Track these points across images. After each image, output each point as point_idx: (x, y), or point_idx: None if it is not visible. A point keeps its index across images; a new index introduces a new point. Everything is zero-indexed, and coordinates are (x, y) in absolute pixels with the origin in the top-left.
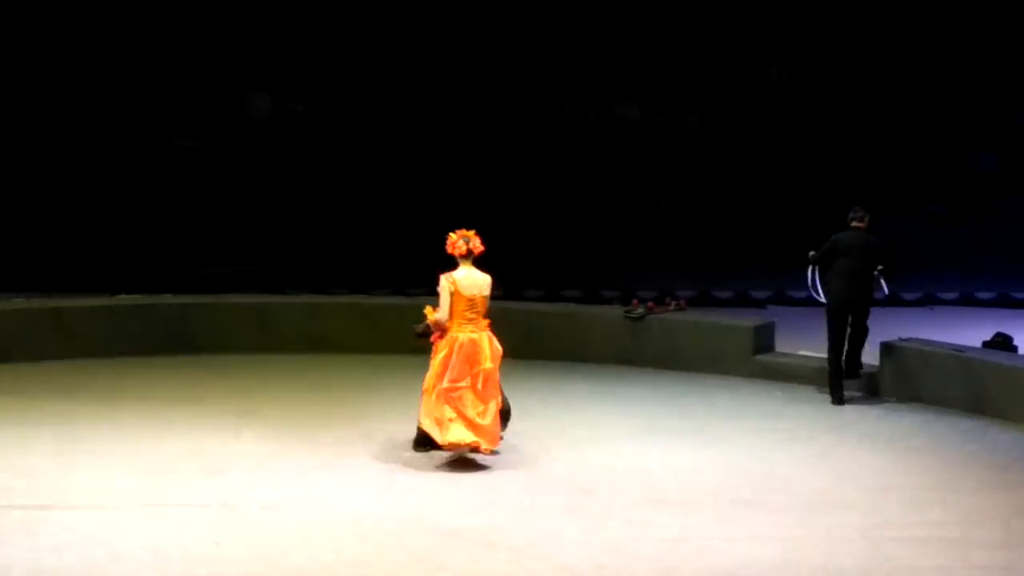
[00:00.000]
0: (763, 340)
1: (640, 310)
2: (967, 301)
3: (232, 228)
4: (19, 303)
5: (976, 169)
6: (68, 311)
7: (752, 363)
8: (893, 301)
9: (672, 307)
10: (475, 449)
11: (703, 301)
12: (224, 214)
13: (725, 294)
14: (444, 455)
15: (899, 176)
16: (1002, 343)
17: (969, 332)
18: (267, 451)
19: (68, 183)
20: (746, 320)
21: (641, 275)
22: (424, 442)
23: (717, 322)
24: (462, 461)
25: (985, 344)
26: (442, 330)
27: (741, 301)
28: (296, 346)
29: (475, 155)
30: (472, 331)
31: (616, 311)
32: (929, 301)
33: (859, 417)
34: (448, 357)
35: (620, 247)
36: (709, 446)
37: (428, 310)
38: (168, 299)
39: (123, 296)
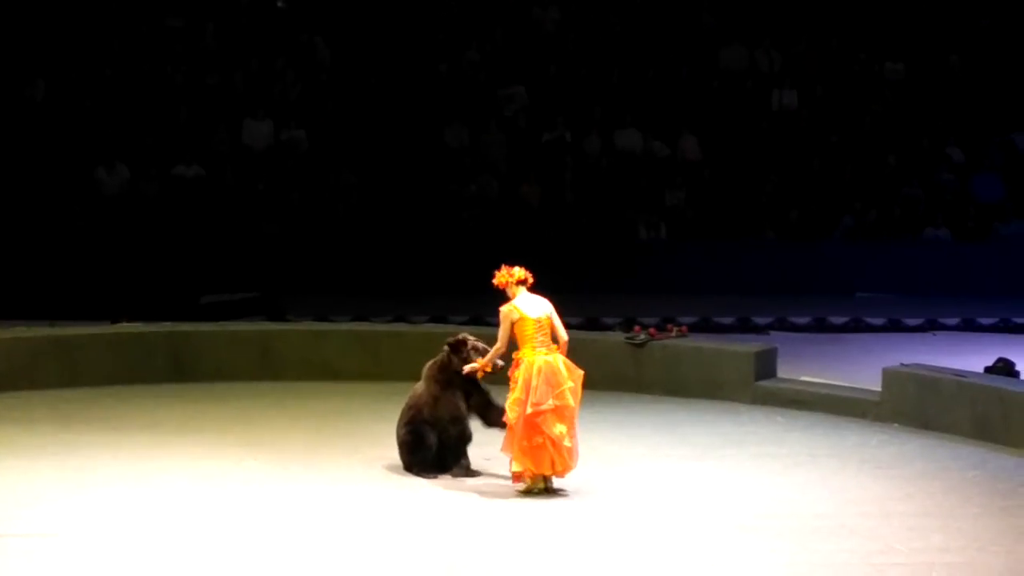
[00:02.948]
0: (765, 366)
1: (642, 336)
2: (969, 326)
3: (234, 256)
4: (20, 331)
5: (977, 193)
6: (69, 339)
7: (754, 389)
8: (895, 326)
9: (674, 333)
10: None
11: (704, 327)
12: (226, 242)
13: (726, 320)
14: (449, 481)
15: (898, 201)
16: (1004, 368)
17: (971, 357)
18: (269, 479)
19: (69, 210)
20: (748, 346)
21: (642, 301)
22: (430, 467)
23: (719, 348)
24: (466, 488)
25: (987, 369)
26: (500, 363)
27: (743, 327)
28: (298, 373)
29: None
30: (546, 353)
31: (617, 337)
32: (931, 326)
33: (861, 443)
34: (528, 382)
35: (618, 274)
36: (710, 472)
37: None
38: (169, 327)
39: (124, 324)
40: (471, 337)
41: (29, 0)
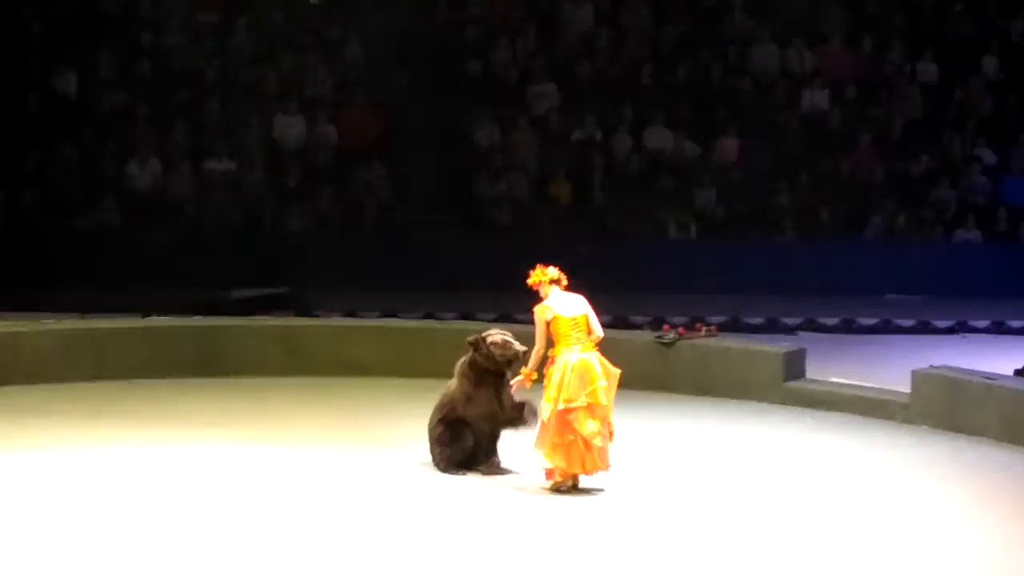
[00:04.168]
0: (794, 366)
1: (671, 335)
2: (999, 329)
3: (263, 251)
4: (50, 323)
5: (1008, 196)
6: (98, 332)
7: (783, 390)
8: (924, 328)
9: (703, 333)
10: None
11: (734, 327)
12: (256, 237)
13: (756, 320)
14: (478, 479)
15: (928, 202)
16: None
17: (1001, 360)
18: (295, 473)
19: (101, 204)
20: (777, 346)
21: (671, 301)
22: (460, 464)
23: (747, 348)
24: (494, 486)
25: (1017, 372)
26: (538, 363)
27: (772, 327)
28: (325, 369)
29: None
30: (581, 351)
31: (647, 336)
32: (960, 329)
33: (889, 444)
34: (561, 380)
35: (648, 273)
36: (737, 472)
37: (524, 371)
38: (198, 321)
39: (154, 318)
40: (494, 331)
41: None
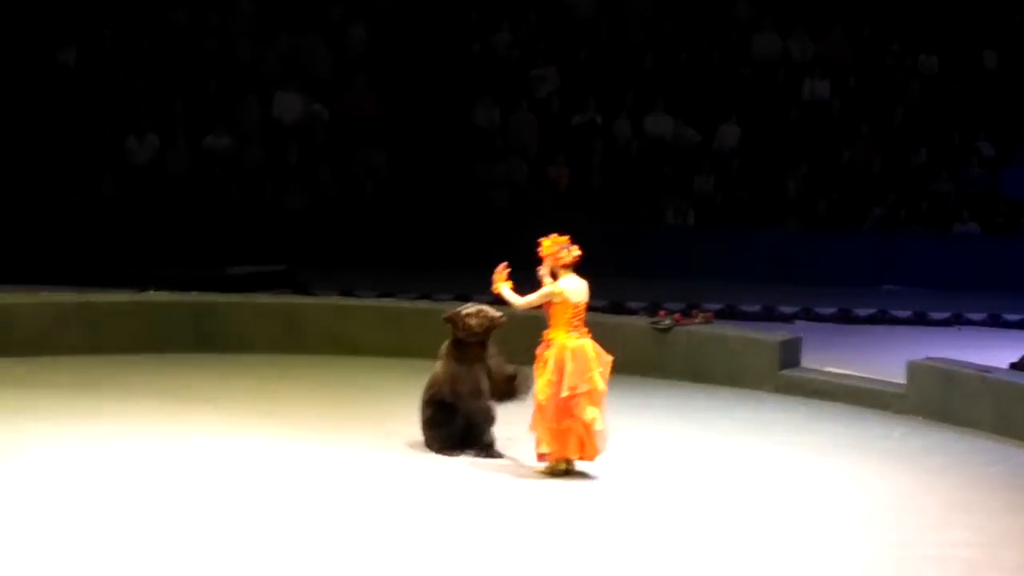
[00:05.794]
0: (789, 355)
1: (667, 322)
2: (995, 322)
3: (261, 228)
4: (47, 297)
5: (1006, 188)
6: (95, 305)
7: (777, 378)
8: (921, 320)
9: (699, 319)
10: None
11: (730, 314)
12: (253, 214)
13: (752, 308)
14: (470, 459)
15: (927, 194)
16: None
17: (996, 352)
18: (287, 451)
19: (99, 178)
20: (772, 335)
21: (668, 287)
22: (453, 445)
23: (743, 336)
24: (486, 467)
25: (1012, 365)
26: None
27: (768, 315)
28: (322, 347)
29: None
30: (578, 337)
31: (642, 322)
32: (956, 321)
33: (883, 435)
34: (562, 365)
35: (645, 258)
36: (731, 460)
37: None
38: (195, 297)
39: (152, 292)
40: (467, 306)
41: None
